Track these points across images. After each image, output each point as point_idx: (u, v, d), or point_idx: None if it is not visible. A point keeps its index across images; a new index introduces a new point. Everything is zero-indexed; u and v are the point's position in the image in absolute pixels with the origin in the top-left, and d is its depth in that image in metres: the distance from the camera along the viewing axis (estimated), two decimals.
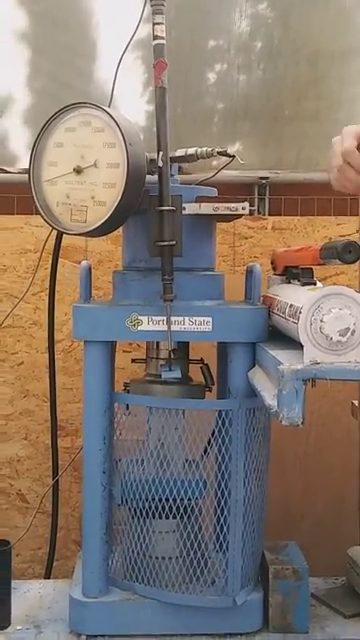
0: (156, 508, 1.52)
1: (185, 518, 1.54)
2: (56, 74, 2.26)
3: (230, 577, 1.50)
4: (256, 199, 2.31)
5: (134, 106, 2.27)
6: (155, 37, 1.47)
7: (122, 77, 1.64)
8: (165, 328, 1.47)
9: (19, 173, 2.23)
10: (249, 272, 1.61)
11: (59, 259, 1.89)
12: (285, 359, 1.20)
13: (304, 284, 1.45)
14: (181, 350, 1.61)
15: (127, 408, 1.54)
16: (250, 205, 1.54)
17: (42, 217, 1.46)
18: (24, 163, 2.24)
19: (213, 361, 1.68)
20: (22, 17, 2.26)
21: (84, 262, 1.60)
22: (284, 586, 1.55)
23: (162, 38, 1.47)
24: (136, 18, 1.55)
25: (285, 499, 2.17)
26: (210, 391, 1.63)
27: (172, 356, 1.56)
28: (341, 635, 1.56)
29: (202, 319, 1.49)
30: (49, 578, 2.00)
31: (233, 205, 1.49)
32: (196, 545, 1.54)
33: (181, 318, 1.49)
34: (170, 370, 1.54)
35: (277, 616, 1.55)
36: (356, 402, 1.93)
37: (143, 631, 1.53)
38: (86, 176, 1.41)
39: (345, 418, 2.07)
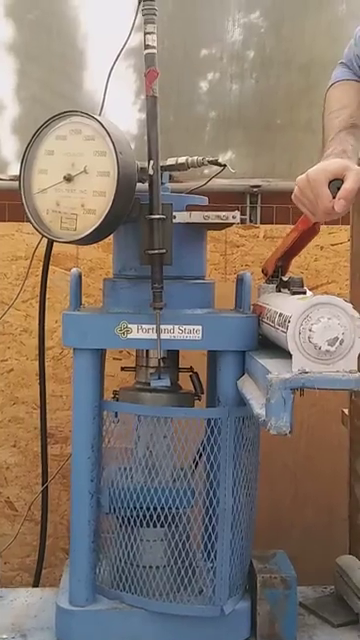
0: (144, 517, 1.51)
1: (173, 527, 1.53)
2: (47, 82, 2.27)
3: (218, 586, 1.49)
4: (248, 207, 2.31)
5: (126, 114, 2.28)
6: (146, 46, 1.47)
7: (114, 85, 1.64)
8: (155, 336, 1.47)
9: (10, 180, 2.23)
10: (239, 280, 1.61)
11: (50, 266, 1.89)
12: (274, 368, 1.20)
13: (294, 293, 1.45)
14: (171, 358, 1.61)
15: (116, 416, 1.54)
16: (242, 213, 1.54)
17: (32, 225, 1.46)
18: (14, 170, 2.24)
19: (203, 369, 1.68)
20: (12, 26, 2.26)
21: (74, 269, 1.60)
22: (272, 595, 1.55)
23: (153, 47, 1.47)
24: (127, 26, 1.55)
25: (274, 508, 2.17)
26: (199, 400, 1.63)
27: (162, 364, 1.56)
28: None
29: (192, 327, 1.49)
30: (37, 586, 1.99)
31: (223, 214, 1.49)
32: (184, 554, 1.53)
33: (171, 326, 1.48)
34: (159, 378, 1.54)
35: (265, 625, 1.54)
36: (346, 410, 1.93)
37: None
38: (76, 184, 1.41)
39: (335, 426, 2.07)
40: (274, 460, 2.14)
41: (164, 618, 1.51)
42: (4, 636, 1.56)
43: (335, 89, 1.63)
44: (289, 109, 2.33)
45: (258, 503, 1.60)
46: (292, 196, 1.37)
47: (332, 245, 2.25)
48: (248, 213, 2.31)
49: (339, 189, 1.28)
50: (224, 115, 2.34)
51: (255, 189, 2.30)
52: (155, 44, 1.47)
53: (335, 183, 1.29)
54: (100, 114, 1.55)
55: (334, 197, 1.29)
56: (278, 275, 1.64)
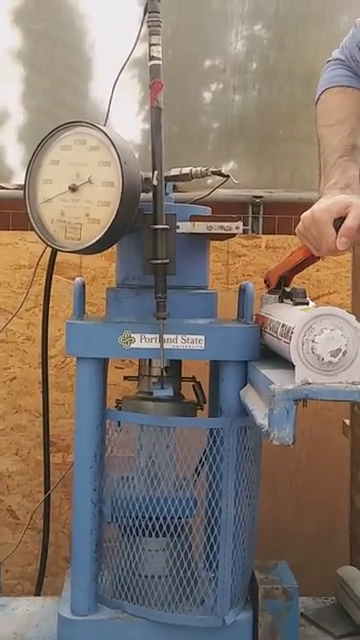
0: (146, 526, 1.51)
1: (175, 537, 1.53)
2: (52, 92, 2.28)
3: (220, 596, 1.49)
4: (250, 218, 2.32)
5: (130, 124, 2.29)
6: (151, 58, 1.48)
7: (118, 95, 1.66)
8: (158, 346, 1.47)
9: (14, 189, 2.24)
10: (242, 290, 1.62)
11: (53, 275, 1.90)
12: (276, 379, 1.20)
13: (296, 304, 1.45)
14: (173, 368, 1.61)
15: (119, 425, 1.54)
16: (244, 224, 1.55)
17: (37, 234, 1.46)
18: (19, 179, 2.25)
19: (205, 379, 1.68)
20: (19, 35, 2.27)
21: (78, 278, 1.61)
22: (274, 606, 1.54)
23: (158, 59, 1.48)
24: (132, 37, 1.56)
25: (276, 518, 2.17)
26: (202, 409, 1.63)
27: (164, 374, 1.56)
28: None
29: (195, 337, 1.49)
30: (39, 595, 1.98)
31: (227, 224, 1.49)
32: (186, 564, 1.53)
33: (174, 336, 1.49)
34: (162, 388, 1.54)
35: (266, 636, 1.54)
36: (347, 421, 1.93)
37: None
38: (81, 194, 1.42)
39: (336, 437, 2.07)
40: (275, 470, 2.14)
41: (166, 628, 1.51)
42: None
43: (332, 96, 1.57)
44: (291, 120, 2.35)
45: (259, 513, 1.60)
46: (296, 230, 1.38)
47: (334, 256, 2.25)
48: (250, 223, 2.32)
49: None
50: (227, 126, 2.35)
51: (257, 199, 2.31)
52: (160, 55, 1.48)
53: (339, 221, 1.30)
54: (105, 124, 1.56)
55: None
56: (281, 286, 1.65)
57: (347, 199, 1.33)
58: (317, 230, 1.31)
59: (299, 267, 1.60)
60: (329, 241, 1.31)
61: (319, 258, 1.52)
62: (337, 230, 1.30)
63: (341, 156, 1.47)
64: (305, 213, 1.34)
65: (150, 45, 1.48)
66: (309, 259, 1.53)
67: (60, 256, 1.91)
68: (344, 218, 1.30)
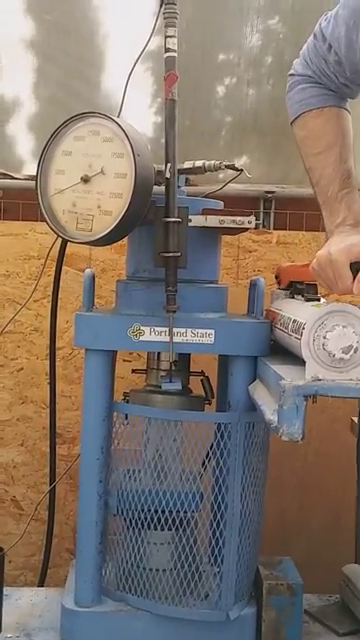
0: (152, 519, 1.51)
1: (180, 530, 1.53)
2: (65, 82, 2.27)
3: (224, 591, 1.49)
4: (261, 213, 2.31)
5: (142, 117, 2.28)
6: (167, 50, 1.47)
7: (130, 88, 1.64)
8: (167, 339, 1.47)
9: (25, 179, 2.23)
10: (253, 285, 1.61)
11: (62, 266, 1.90)
12: (286, 374, 1.20)
13: (308, 300, 1.45)
14: (182, 362, 1.61)
15: (126, 418, 1.54)
16: (255, 219, 1.54)
17: (48, 225, 1.46)
18: (30, 169, 2.25)
19: (213, 373, 1.68)
20: (32, 25, 2.26)
21: (88, 270, 1.60)
22: (278, 602, 1.54)
23: (174, 51, 1.47)
24: (145, 29, 1.55)
25: (281, 514, 2.16)
26: (210, 404, 1.63)
27: (173, 367, 1.56)
28: None
29: (204, 331, 1.49)
30: (42, 586, 1.99)
31: (239, 219, 1.49)
32: (190, 558, 1.53)
33: (183, 329, 1.48)
34: (171, 382, 1.54)
35: (270, 632, 1.54)
36: (355, 419, 1.93)
37: None
38: (93, 185, 1.41)
39: (343, 435, 2.06)
40: (282, 467, 2.13)
41: (169, 621, 1.51)
42: (9, 635, 1.56)
43: (311, 120, 1.51)
44: None
45: (265, 509, 1.60)
46: (310, 267, 1.33)
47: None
48: (262, 218, 2.31)
49: (357, 271, 1.26)
50: (240, 120, 2.34)
51: (269, 195, 2.30)
52: (175, 47, 1.47)
53: (355, 265, 1.26)
54: (118, 116, 1.56)
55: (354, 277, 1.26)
56: (292, 285, 1.64)
57: None
58: (334, 272, 1.28)
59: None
60: (346, 284, 1.27)
61: None
62: (354, 273, 1.26)
63: (341, 189, 1.45)
64: (321, 252, 1.30)
65: (166, 37, 1.48)
66: None
67: (69, 248, 1.91)
68: None
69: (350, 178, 1.46)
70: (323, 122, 1.50)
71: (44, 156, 1.47)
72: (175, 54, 1.47)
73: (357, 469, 1.86)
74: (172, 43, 1.47)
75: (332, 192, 1.45)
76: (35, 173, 1.47)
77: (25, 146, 2.32)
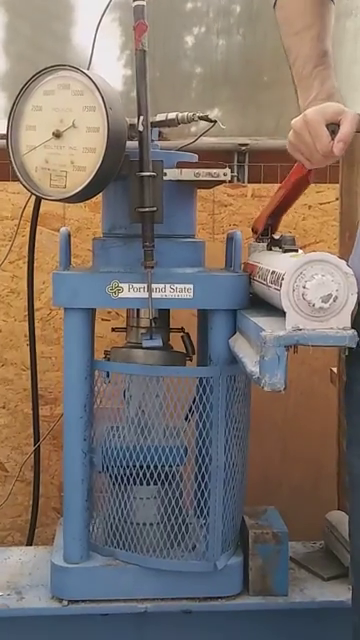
0: (137, 475, 1.52)
1: (166, 484, 1.55)
2: (33, 38, 2.21)
3: (211, 542, 1.51)
4: (235, 166, 2.29)
5: (111, 70, 2.23)
6: None
7: (99, 41, 1.60)
8: (146, 295, 1.46)
9: None
10: (230, 239, 1.61)
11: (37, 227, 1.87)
12: (267, 326, 1.20)
13: (286, 251, 1.44)
14: (162, 318, 1.60)
15: (107, 376, 1.54)
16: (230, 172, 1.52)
17: (21, 182, 1.43)
18: (1, 129, 2.20)
19: (193, 330, 1.67)
20: None
21: (63, 229, 1.58)
22: (264, 550, 1.57)
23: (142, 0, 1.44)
24: None
25: (263, 465, 2.19)
26: (191, 360, 1.63)
27: (153, 324, 1.55)
28: (319, 597, 1.59)
29: (183, 286, 1.48)
30: (31, 545, 2.00)
31: (214, 171, 1.47)
32: (177, 511, 1.55)
33: (162, 285, 1.48)
34: (151, 339, 1.54)
35: (257, 580, 1.57)
36: (334, 369, 1.94)
37: (124, 596, 1.54)
38: (65, 141, 1.39)
39: (323, 386, 2.08)
40: (263, 418, 2.15)
41: (158, 574, 1.53)
42: (0, 593, 1.58)
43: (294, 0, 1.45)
44: (276, 66, 2.28)
45: (248, 461, 1.62)
46: (287, 142, 1.31)
47: (320, 204, 2.23)
48: (236, 172, 2.28)
49: (333, 132, 1.25)
50: (210, 71, 2.30)
51: (243, 147, 2.28)
52: None
53: (330, 127, 1.26)
54: (88, 69, 1.52)
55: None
56: (268, 234, 1.63)
57: (339, 106, 1.28)
58: (311, 132, 1.25)
59: (287, 202, 1.58)
60: (324, 143, 1.25)
61: (307, 185, 1.48)
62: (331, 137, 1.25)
63: (316, 66, 1.40)
64: (295, 119, 1.28)
65: None
66: (296, 188, 1.50)
67: (43, 206, 1.88)
68: (336, 125, 1.25)
69: (326, 57, 1.40)
70: (303, 2, 1.44)
71: (14, 112, 1.43)
72: (144, 2, 1.44)
73: (338, 417, 1.89)
74: None
75: (307, 70, 1.41)
76: (5, 131, 1.44)
77: None
